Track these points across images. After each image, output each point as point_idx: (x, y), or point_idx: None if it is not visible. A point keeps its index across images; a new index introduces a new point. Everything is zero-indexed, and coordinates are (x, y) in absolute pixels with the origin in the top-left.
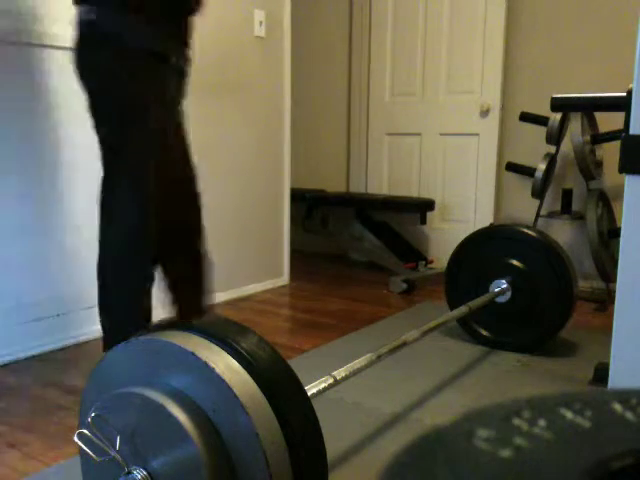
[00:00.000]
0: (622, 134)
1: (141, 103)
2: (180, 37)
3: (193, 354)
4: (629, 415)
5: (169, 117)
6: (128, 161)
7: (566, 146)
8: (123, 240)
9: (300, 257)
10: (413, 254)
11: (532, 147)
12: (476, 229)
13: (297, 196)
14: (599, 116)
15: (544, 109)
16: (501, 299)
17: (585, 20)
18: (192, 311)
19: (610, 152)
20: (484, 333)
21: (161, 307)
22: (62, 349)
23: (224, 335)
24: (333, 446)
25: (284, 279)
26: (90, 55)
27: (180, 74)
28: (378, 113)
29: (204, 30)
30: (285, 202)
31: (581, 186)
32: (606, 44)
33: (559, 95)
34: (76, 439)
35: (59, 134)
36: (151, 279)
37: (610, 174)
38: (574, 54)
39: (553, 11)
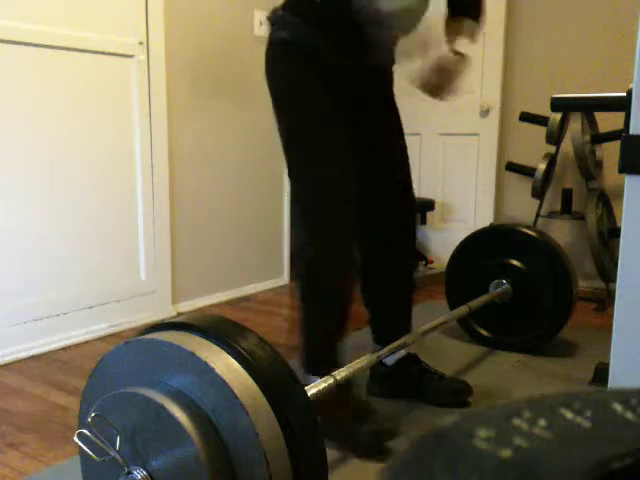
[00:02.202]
0: (622, 134)
1: (328, 118)
2: (366, 52)
3: (193, 354)
4: (629, 415)
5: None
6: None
7: (566, 146)
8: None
9: None
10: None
11: (532, 147)
12: (476, 229)
13: None
14: (599, 116)
15: (544, 109)
16: (501, 299)
17: (585, 20)
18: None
19: (610, 152)
20: (484, 333)
21: None
22: (62, 349)
23: (224, 335)
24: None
25: (284, 279)
26: (283, 69)
27: (365, 88)
28: None
29: (204, 30)
30: (285, 202)
31: (581, 186)
32: (606, 44)
33: (559, 95)
34: (76, 439)
35: None
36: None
37: (610, 174)
38: (574, 54)
39: (553, 11)
